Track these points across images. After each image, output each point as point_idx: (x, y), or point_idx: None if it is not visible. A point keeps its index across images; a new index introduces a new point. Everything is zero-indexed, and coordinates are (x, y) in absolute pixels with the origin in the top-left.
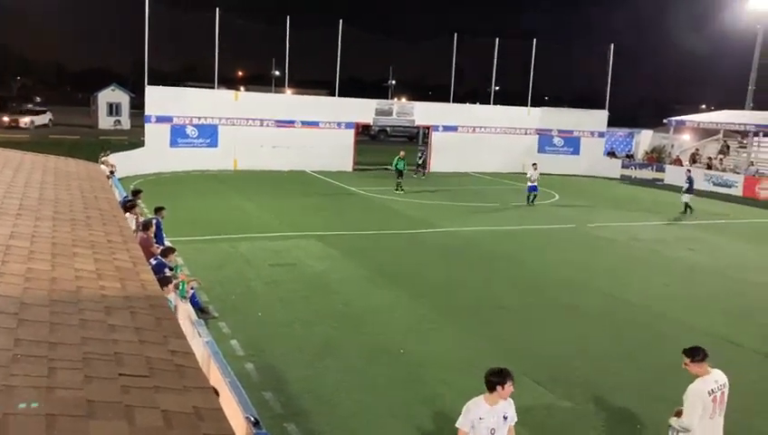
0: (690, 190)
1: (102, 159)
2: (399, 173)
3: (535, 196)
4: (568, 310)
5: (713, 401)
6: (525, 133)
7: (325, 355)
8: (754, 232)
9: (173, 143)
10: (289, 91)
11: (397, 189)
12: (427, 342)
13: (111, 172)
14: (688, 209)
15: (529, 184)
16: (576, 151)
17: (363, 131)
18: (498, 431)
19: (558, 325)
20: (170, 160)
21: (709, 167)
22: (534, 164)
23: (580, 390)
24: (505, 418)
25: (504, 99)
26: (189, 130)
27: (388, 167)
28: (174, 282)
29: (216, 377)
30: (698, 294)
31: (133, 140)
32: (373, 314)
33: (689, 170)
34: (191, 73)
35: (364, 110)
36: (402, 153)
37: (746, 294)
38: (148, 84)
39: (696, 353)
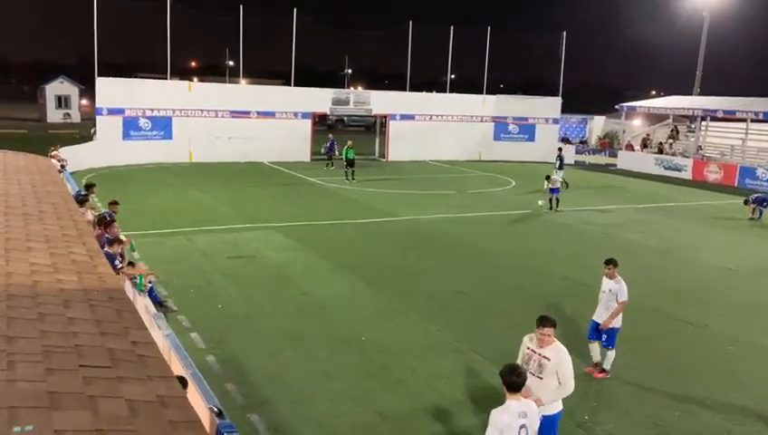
0: (561, 167)
1: (52, 153)
2: (350, 162)
3: (557, 199)
4: (524, 294)
5: None
6: (481, 121)
7: (287, 345)
8: (702, 214)
9: (126, 136)
10: (244, 82)
11: (347, 178)
12: (388, 329)
13: (62, 166)
14: (564, 184)
15: (550, 187)
16: (531, 138)
17: (320, 121)
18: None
19: (514, 309)
20: (123, 153)
21: (660, 151)
22: (548, 177)
23: None
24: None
25: (460, 87)
26: (142, 123)
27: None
28: (130, 273)
29: (177, 370)
30: (648, 275)
31: (84, 133)
32: (334, 304)
33: (560, 149)
34: (142, 64)
35: (320, 99)
36: (350, 142)
37: (692, 273)
38: (99, 76)
39: (554, 325)
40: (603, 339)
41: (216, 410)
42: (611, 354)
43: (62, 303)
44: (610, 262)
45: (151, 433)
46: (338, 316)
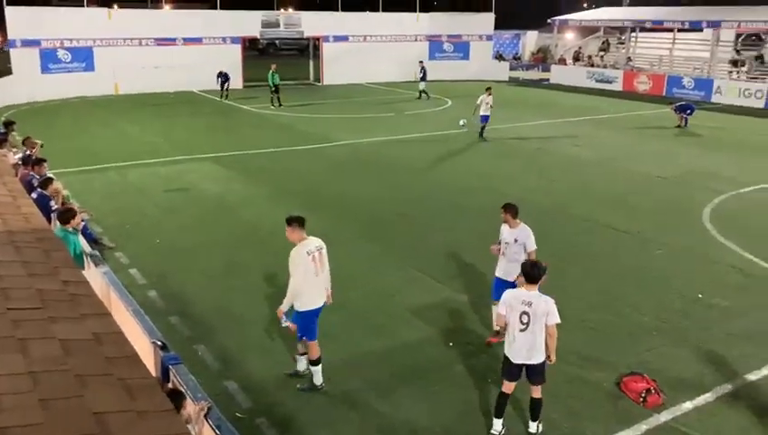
0: (424, 79)
1: None
2: (276, 88)
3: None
4: (462, 212)
5: (312, 261)
6: (416, 40)
7: (230, 276)
8: (633, 124)
9: (44, 69)
10: (167, 7)
11: (272, 104)
12: (330, 253)
13: None
14: (423, 95)
15: (481, 114)
16: (466, 56)
17: (251, 46)
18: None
19: (453, 226)
20: (43, 88)
21: (591, 64)
22: (488, 88)
23: (475, 284)
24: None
25: (394, 5)
26: (61, 54)
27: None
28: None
29: (117, 307)
30: (583, 186)
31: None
32: (275, 232)
33: (421, 62)
34: None
35: (249, 23)
36: (274, 66)
37: (625, 182)
38: (8, 5)
39: (292, 222)
40: None
41: (159, 343)
42: None
43: None
44: (509, 208)
45: (87, 370)
46: (279, 244)
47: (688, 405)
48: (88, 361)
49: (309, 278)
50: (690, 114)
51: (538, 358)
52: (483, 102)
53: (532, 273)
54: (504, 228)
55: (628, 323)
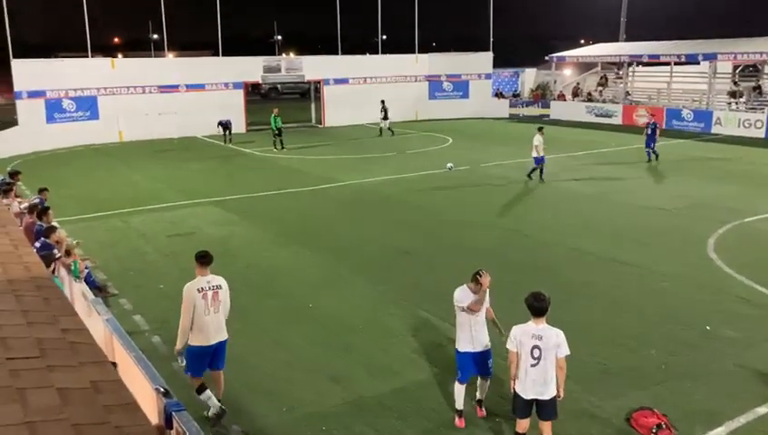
0: (386, 118)
1: None
2: (278, 131)
3: (538, 169)
4: (466, 249)
5: (203, 298)
6: (415, 81)
7: (234, 319)
8: (633, 158)
9: (49, 119)
10: (171, 55)
11: (275, 147)
12: (334, 294)
13: None
14: (389, 132)
15: (536, 156)
16: (465, 95)
17: (253, 90)
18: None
19: (458, 264)
20: (48, 137)
21: (590, 99)
22: (540, 128)
23: None
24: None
25: (392, 47)
26: (66, 104)
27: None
28: (66, 261)
29: (120, 354)
30: (586, 220)
31: (5, 118)
32: (280, 274)
33: (383, 101)
34: (61, 43)
35: (251, 68)
36: (276, 110)
37: (627, 216)
38: (14, 57)
39: (196, 258)
40: (490, 365)
41: (162, 390)
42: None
43: None
44: (486, 273)
45: (85, 419)
46: (283, 286)
47: None
48: (85, 409)
49: (197, 315)
50: (653, 146)
51: (550, 393)
52: (540, 143)
53: (537, 306)
54: (465, 294)
55: (636, 357)
